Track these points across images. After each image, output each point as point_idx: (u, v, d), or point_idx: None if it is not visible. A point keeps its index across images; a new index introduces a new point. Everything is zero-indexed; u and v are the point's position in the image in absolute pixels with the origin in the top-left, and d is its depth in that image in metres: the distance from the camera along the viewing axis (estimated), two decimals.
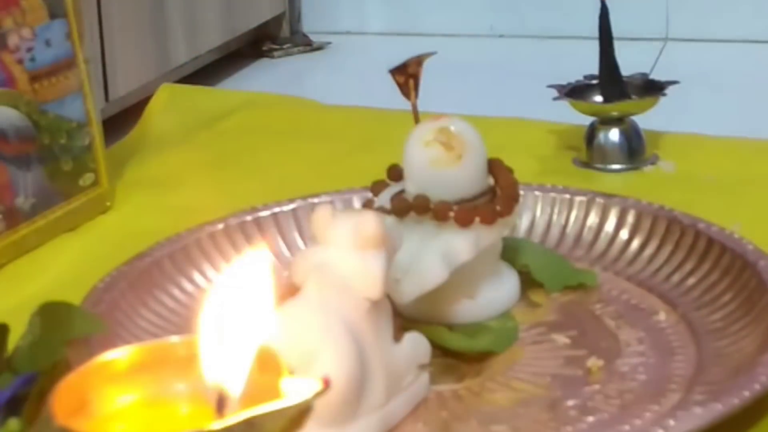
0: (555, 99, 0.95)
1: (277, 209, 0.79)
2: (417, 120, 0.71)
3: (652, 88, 0.95)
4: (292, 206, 0.80)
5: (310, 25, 1.91)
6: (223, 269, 0.75)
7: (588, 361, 0.65)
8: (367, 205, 0.70)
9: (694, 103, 1.36)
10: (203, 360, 0.42)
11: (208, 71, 1.69)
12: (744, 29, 1.76)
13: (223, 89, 1.59)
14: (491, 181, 0.69)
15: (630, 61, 0.98)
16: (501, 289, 0.70)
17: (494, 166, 0.69)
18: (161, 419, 0.44)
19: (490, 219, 0.66)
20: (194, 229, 0.77)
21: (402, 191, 0.69)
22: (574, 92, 0.96)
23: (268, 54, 1.84)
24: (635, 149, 0.94)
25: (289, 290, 0.60)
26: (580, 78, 0.97)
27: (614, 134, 0.94)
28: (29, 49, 0.82)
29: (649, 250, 0.75)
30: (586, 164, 0.94)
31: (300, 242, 0.78)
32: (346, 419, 0.57)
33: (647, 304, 0.71)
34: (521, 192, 0.70)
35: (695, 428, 0.56)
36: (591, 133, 0.95)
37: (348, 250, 0.59)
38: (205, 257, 0.75)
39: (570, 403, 0.62)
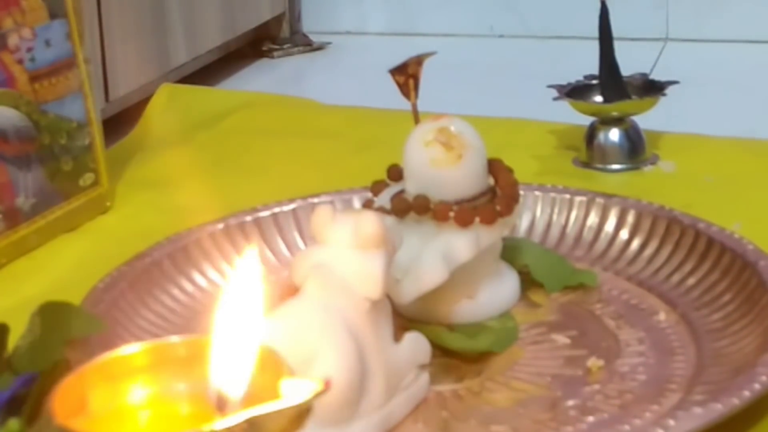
0: (555, 99, 0.95)
1: (277, 209, 0.79)
2: (417, 120, 0.71)
3: (652, 88, 0.95)
4: (292, 206, 0.80)
5: (310, 25, 1.91)
6: (227, 273, 0.75)
7: (588, 361, 0.65)
8: (367, 205, 0.70)
9: (694, 103, 1.36)
10: (206, 360, 0.42)
11: (208, 71, 1.69)
12: (744, 29, 1.76)
13: (223, 89, 1.59)
14: (491, 181, 0.69)
15: (630, 61, 0.98)
16: (501, 289, 0.70)
17: (494, 166, 0.69)
18: (161, 419, 0.44)
19: (490, 219, 0.66)
20: (194, 229, 0.77)
21: (402, 191, 0.69)
22: (574, 92, 0.96)
23: (268, 54, 1.84)
24: (635, 149, 0.94)
25: (289, 290, 0.60)
26: (580, 78, 0.97)
27: (614, 134, 0.94)
28: (29, 49, 0.82)
29: (649, 250, 0.75)
30: (586, 164, 0.95)
31: (300, 242, 0.78)
32: (346, 419, 0.57)
33: (647, 304, 0.71)
34: (521, 192, 0.70)
35: (695, 428, 0.56)
36: (591, 133, 0.95)
37: (348, 250, 0.59)
38: (205, 257, 0.75)
39: (570, 403, 0.62)
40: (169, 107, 1.11)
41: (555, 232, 0.78)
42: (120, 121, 1.27)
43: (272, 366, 0.43)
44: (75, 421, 0.42)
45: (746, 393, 0.58)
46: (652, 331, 0.68)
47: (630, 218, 0.76)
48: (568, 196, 0.79)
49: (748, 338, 0.64)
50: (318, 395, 0.42)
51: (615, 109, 0.94)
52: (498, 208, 0.67)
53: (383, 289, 0.59)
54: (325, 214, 0.60)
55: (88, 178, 0.87)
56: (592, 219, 0.78)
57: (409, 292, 0.65)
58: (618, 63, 0.95)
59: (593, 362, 0.65)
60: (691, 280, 0.71)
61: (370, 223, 0.59)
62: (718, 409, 0.57)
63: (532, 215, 0.79)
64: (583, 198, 0.79)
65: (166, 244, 0.75)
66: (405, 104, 0.73)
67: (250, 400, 0.41)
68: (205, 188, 0.94)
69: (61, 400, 0.42)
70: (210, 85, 1.60)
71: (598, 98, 0.95)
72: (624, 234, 0.76)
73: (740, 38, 1.76)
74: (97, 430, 0.43)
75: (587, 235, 0.77)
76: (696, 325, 0.67)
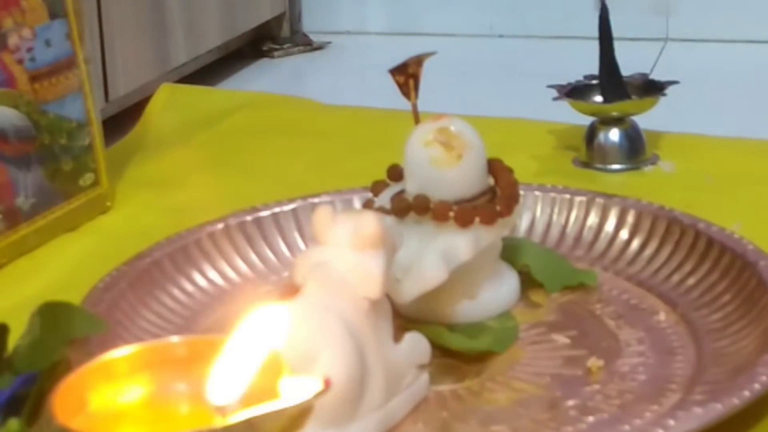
0: (555, 99, 0.95)
1: (277, 209, 0.79)
2: (417, 120, 0.71)
3: (652, 88, 0.95)
4: (292, 206, 0.80)
5: (310, 25, 1.91)
6: (227, 273, 0.75)
7: (588, 361, 0.65)
8: (367, 205, 0.70)
9: (694, 103, 1.36)
10: (206, 360, 0.42)
11: (208, 71, 1.69)
12: (744, 29, 1.76)
13: (223, 89, 1.59)
14: (491, 181, 0.69)
15: (630, 61, 0.98)
16: (501, 289, 0.70)
17: (494, 166, 0.69)
18: (161, 419, 0.44)
19: (490, 219, 0.66)
20: (194, 229, 0.77)
21: (402, 191, 0.69)
22: (574, 92, 0.96)
23: (268, 54, 1.84)
24: (635, 149, 0.94)
25: (289, 290, 0.60)
26: (580, 78, 0.97)
27: (614, 134, 0.94)
28: (29, 49, 0.82)
29: (649, 250, 0.75)
30: (586, 164, 0.94)
31: (300, 242, 0.78)
32: (346, 419, 0.57)
33: (647, 304, 0.71)
34: (521, 192, 0.70)
35: (695, 428, 0.56)
36: (591, 133, 0.95)
37: (348, 250, 0.59)
38: (205, 257, 0.75)
39: (570, 403, 0.62)
40: (169, 107, 1.11)
41: (555, 232, 0.78)
42: (120, 121, 1.27)
43: (272, 366, 0.43)
44: (75, 421, 0.42)
45: (746, 393, 0.58)
46: (652, 331, 0.68)
47: (630, 218, 0.76)
48: (568, 196, 0.79)
49: (748, 338, 0.64)
50: (318, 395, 0.42)
51: (615, 109, 0.94)
52: (498, 208, 0.67)
53: (383, 289, 0.59)
54: (325, 215, 0.60)
55: (88, 178, 0.87)
56: (592, 219, 0.78)
57: (409, 292, 0.65)
58: (618, 63, 0.95)
59: (593, 362, 0.65)
60: (691, 280, 0.71)
61: (370, 223, 0.59)
62: (718, 409, 0.57)
63: (532, 215, 0.79)
64: (583, 198, 0.79)
65: (166, 244, 0.75)
66: (405, 104, 0.73)
67: (250, 400, 0.41)
68: (205, 188, 0.94)
69: (61, 400, 0.42)
70: (210, 85, 1.60)
71: (598, 98, 0.95)
72: (624, 234, 0.76)
73: (740, 38, 1.76)
74: (97, 430, 0.43)
75: (587, 235, 0.77)
76: (696, 325, 0.67)
